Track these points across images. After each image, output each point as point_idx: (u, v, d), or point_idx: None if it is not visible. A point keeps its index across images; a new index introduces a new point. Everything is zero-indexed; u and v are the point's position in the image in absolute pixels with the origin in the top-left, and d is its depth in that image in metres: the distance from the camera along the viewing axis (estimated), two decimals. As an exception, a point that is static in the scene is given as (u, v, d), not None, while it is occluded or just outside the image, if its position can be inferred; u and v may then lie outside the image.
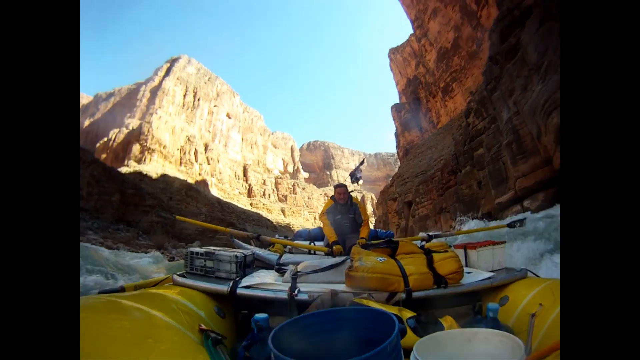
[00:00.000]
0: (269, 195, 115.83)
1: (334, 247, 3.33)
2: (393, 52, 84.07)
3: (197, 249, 2.49)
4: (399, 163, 77.44)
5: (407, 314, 1.76)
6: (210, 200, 71.72)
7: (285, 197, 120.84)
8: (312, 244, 4.10)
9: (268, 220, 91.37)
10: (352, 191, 3.99)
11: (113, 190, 38.86)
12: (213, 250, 2.46)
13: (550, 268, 6.02)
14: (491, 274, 2.37)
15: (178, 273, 2.41)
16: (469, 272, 2.39)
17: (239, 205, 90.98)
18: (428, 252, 2.30)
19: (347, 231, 3.75)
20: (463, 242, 3.01)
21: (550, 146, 14.75)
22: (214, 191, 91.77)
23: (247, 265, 2.53)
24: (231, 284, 2.15)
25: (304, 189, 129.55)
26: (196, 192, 68.73)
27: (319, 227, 4.30)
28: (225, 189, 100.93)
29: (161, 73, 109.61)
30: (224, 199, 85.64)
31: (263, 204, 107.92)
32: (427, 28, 64.96)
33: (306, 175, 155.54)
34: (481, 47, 47.57)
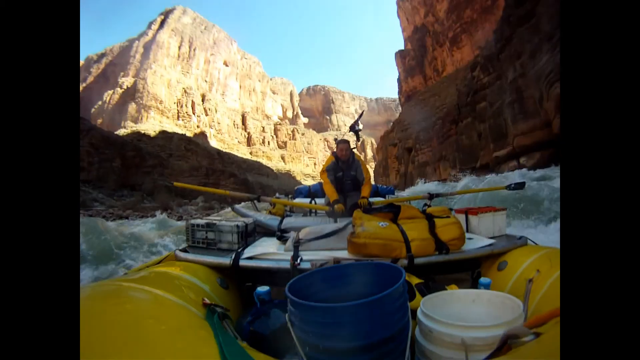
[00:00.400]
0: (269, 142, 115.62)
1: (335, 206, 3.32)
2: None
3: (198, 221, 2.50)
4: (400, 109, 76.52)
5: (415, 280, 1.83)
6: (210, 152, 71.63)
7: (285, 143, 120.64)
8: (313, 201, 4.12)
9: (268, 168, 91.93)
10: (353, 147, 3.92)
11: (113, 155, 38.91)
12: (214, 221, 2.46)
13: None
14: (492, 240, 2.40)
15: (180, 248, 2.43)
16: (470, 238, 2.41)
17: (239, 154, 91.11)
18: (430, 218, 2.30)
19: (349, 189, 3.71)
20: (464, 207, 3.04)
21: (551, 111, 14.88)
22: (213, 142, 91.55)
23: (249, 234, 2.54)
24: (233, 255, 2.16)
25: (303, 134, 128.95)
26: (195, 145, 68.41)
27: (319, 183, 4.29)
28: (225, 139, 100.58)
29: (155, 26, 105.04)
30: (224, 150, 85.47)
31: (263, 152, 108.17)
32: (441, -21, 61.06)
33: (305, 120, 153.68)
34: (496, 2, 45.14)
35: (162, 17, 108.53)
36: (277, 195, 5.04)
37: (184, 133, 76.81)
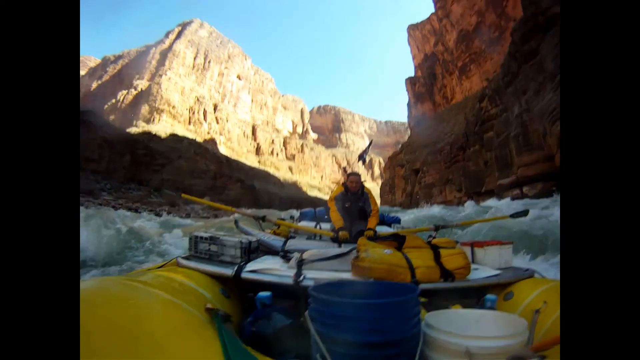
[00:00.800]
0: (277, 154, 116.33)
1: (340, 233, 3.30)
2: (412, 28, 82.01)
3: (202, 234, 2.48)
4: (409, 132, 77.32)
5: (420, 299, 1.73)
6: (219, 158, 72.15)
7: (294, 156, 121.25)
8: (318, 225, 4.11)
9: (276, 177, 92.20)
10: (364, 181, 3.97)
11: (124, 151, 39.72)
12: (218, 235, 2.46)
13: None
14: (498, 271, 2.36)
15: (182, 256, 2.43)
16: (475, 269, 2.37)
17: (248, 163, 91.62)
18: (435, 248, 2.28)
19: (355, 218, 3.69)
20: (470, 240, 3.03)
21: (554, 146, 15.62)
22: (223, 149, 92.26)
23: (252, 251, 2.51)
24: (236, 267, 2.14)
25: (312, 149, 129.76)
26: (205, 150, 69.07)
27: (325, 208, 4.29)
28: (234, 147, 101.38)
29: (172, 36, 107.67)
30: (233, 157, 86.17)
31: (271, 162, 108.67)
32: (449, 10, 62.96)
33: (315, 136, 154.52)
34: (503, 34, 46.24)
35: (180, 28, 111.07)
36: (282, 216, 5.12)
37: (194, 138, 77.57)
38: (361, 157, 4.69)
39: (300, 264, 2.22)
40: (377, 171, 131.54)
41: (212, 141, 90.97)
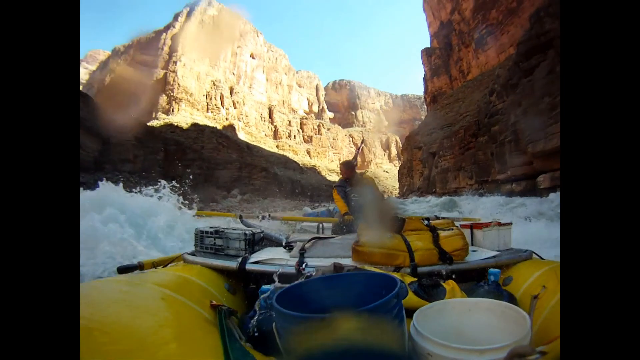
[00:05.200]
0: (295, 136, 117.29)
1: (345, 217, 3.46)
2: (427, -8, 79.80)
3: (207, 228, 2.52)
4: (425, 107, 76.97)
5: (409, 279, 1.80)
6: (240, 145, 73.69)
7: (311, 137, 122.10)
8: (321, 224, 4.15)
9: (295, 162, 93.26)
10: (363, 172, 5.02)
11: (157, 148, 41.65)
12: (222, 229, 2.51)
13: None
14: (496, 252, 2.35)
15: (188, 252, 2.44)
16: (474, 251, 2.38)
17: (266, 148, 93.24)
18: (434, 230, 2.31)
19: (357, 205, 3.79)
20: (469, 222, 3.03)
21: (531, 159, 19.93)
22: (242, 135, 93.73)
23: (256, 243, 2.55)
24: (240, 259, 2.17)
25: (329, 129, 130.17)
26: (226, 139, 70.48)
27: (326, 210, 4.52)
28: (252, 132, 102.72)
29: (182, 18, 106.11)
30: (252, 142, 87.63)
31: (289, 146, 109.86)
32: (465, -27, 61.09)
33: (331, 115, 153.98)
34: (522, 4, 45.64)
35: (188, 8, 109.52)
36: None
37: (214, 126, 79.04)
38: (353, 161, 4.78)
39: (302, 252, 2.24)
40: (394, 151, 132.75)
41: (231, 127, 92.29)
